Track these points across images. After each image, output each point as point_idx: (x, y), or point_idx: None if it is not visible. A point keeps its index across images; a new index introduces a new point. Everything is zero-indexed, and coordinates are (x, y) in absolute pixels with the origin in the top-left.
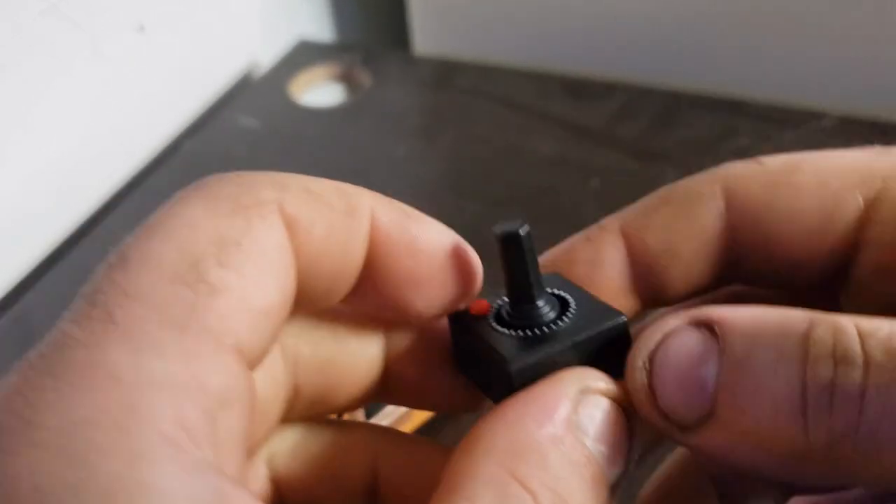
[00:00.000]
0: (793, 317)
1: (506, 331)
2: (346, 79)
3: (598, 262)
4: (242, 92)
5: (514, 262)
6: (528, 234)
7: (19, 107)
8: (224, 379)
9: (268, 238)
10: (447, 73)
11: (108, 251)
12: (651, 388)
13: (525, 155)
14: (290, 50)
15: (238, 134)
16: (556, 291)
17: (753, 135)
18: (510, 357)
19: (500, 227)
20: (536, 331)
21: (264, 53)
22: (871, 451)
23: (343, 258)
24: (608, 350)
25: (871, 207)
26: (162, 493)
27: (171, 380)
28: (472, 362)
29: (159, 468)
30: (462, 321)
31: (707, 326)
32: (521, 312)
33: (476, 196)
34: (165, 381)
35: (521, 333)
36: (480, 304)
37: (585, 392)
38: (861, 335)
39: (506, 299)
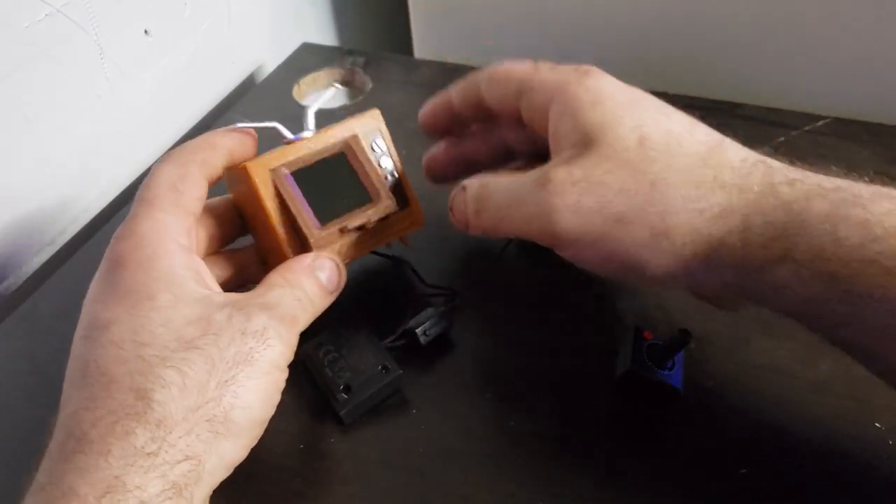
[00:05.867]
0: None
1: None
2: (348, 82)
3: None
4: (247, 94)
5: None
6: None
7: (25, 110)
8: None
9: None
10: (446, 77)
11: None
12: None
13: None
14: (293, 53)
15: None
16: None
17: (747, 137)
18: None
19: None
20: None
21: (269, 57)
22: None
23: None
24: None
25: (520, 96)
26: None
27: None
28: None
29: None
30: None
31: (462, 186)
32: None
33: None
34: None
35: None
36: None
37: (318, 258)
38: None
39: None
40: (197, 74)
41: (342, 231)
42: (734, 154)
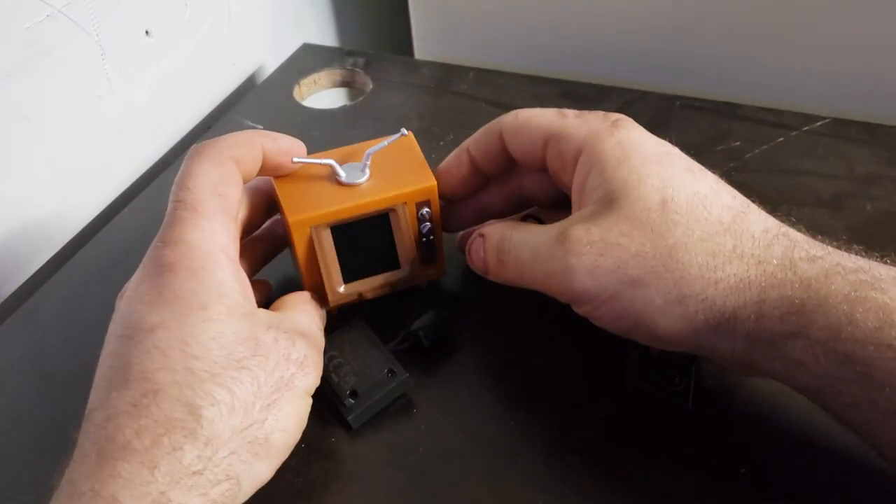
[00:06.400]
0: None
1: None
2: (349, 83)
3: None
4: (248, 95)
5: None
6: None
7: (26, 110)
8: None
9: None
10: (447, 78)
11: (115, 251)
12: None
13: None
14: (294, 54)
15: None
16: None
17: (746, 137)
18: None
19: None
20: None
21: (270, 58)
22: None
23: (256, 162)
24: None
25: (546, 145)
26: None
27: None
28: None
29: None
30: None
31: (480, 234)
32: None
33: None
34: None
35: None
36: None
37: (312, 293)
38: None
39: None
40: (197, 75)
41: (360, 295)
42: (756, 223)
